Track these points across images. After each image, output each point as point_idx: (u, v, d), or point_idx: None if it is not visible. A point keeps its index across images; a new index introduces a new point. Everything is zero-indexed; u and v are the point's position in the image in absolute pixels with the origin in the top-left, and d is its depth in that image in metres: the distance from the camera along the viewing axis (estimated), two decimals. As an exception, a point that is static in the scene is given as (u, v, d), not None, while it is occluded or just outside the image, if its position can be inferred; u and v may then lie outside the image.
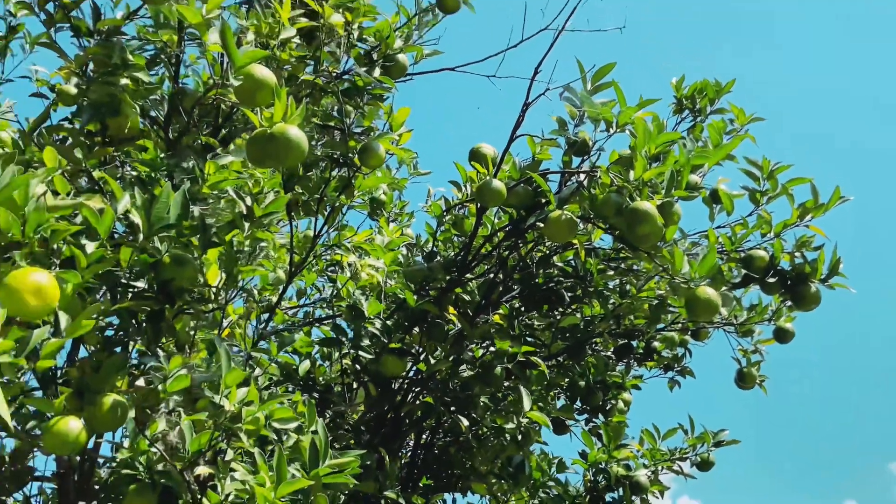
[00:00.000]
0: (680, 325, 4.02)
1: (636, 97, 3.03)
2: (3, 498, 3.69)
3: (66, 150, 2.76)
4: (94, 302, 2.36)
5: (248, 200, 2.47)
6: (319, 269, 4.18)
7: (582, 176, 3.13)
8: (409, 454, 4.22)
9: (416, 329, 3.54)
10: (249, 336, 3.58)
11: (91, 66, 2.90)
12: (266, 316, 3.82)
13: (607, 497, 4.00)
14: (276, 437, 2.63)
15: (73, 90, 3.42)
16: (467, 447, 3.97)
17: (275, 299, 3.85)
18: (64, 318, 2.12)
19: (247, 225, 2.43)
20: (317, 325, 4.17)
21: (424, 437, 4.13)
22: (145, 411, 2.58)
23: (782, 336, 3.90)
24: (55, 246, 2.19)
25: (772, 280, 3.46)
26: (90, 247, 2.23)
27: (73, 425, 2.27)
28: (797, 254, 3.46)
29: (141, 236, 2.30)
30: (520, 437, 3.52)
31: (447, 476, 4.25)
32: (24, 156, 2.69)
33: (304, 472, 2.38)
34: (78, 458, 3.70)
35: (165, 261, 2.35)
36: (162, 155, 2.82)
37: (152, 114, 3.02)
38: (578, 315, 3.82)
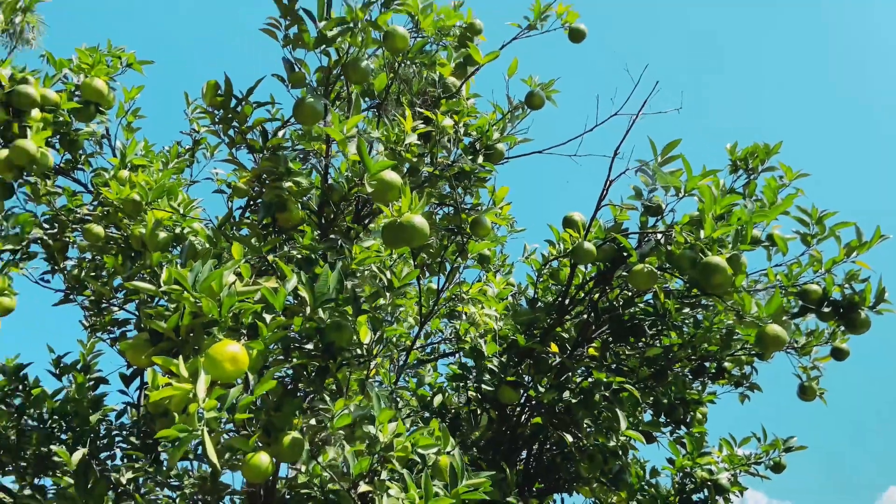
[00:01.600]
0: (747, 349, 3.82)
1: (698, 162, 2.95)
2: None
3: (246, 240, 2.87)
4: (275, 360, 2.43)
5: (388, 274, 2.49)
6: (441, 315, 4.18)
7: (659, 235, 3.03)
8: (523, 465, 4.14)
9: (525, 363, 3.49)
10: (391, 373, 3.60)
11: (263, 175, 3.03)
12: (403, 356, 3.85)
13: (694, 497, 3.81)
14: (420, 461, 2.62)
15: (245, 186, 3.58)
16: (571, 457, 3.87)
17: (408, 343, 3.87)
18: (252, 379, 2.18)
19: (388, 294, 2.45)
20: (442, 361, 4.18)
21: (534, 450, 4.06)
22: (317, 444, 2.62)
23: (838, 355, 3.66)
24: (243, 320, 2.27)
25: (826, 309, 3.27)
26: (269, 319, 2.31)
27: (264, 458, 2.32)
28: (847, 286, 3.27)
29: (308, 308, 2.36)
30: (620, 451, 3.40)
31: (555, 481, 4.15)
32: (216, 248, 2.80)
33: (445, 491, 2.36)
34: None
35: (328, 326, 2.39)
36: (316, 238, 2.90)
37: (308, 207, 3.11)
38: (658, 344, 3.69)
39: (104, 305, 3.92)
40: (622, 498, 3.86)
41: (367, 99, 3.17)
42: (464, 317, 3.83)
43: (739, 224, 2.70)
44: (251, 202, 3.80)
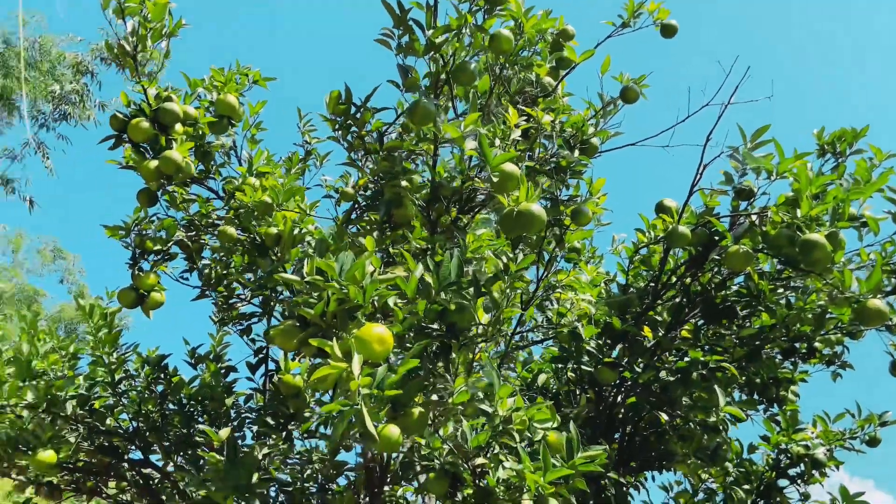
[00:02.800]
0: (840, 328, 3.73)
1: (787, 148, 2.92)
2: (327, 484, 3.98)
3: (367, 234, 3.00)
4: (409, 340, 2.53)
5: (504, 259, 2.57)
6: (535, 304, 4.23)
7: (753, 217, 3.02)
8: (618, 443, 4.15)
9: (621, 346, 3.52)
10: (493, 357, 3.68)
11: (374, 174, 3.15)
12: (501, 342, 3.91)
13: (790, 472, 3.75)
14: (532, 436, 2.68)
15: (351, 191, 3.72)
16: (664, 436, 3.86)
17: (507, 328, 3.93)
18: (393, 358, 2.30)
19: (507, 278, 2.52)
20: (538, 345, 4.22)
21: (629, 429, 4.06)
22: (439, 418, 2.72)
23: (933, 331, 3.53)
24: (381, 305, 2.39)
25: (920, 287, 3.18)
26: (401, 304, 2.42)
27: (394, 430, 2.42)
28: (942, 263, 3.16)
29: (433, 292, 2.45)
30: (721, 428, 3.39)
31: (648, 459, 4.15)
32: (341, 243, 2.93)
33: (563, 462, 2.41)
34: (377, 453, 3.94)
35: (451, 308, 2.48)
36: (426, 232, 3.00)
37: (420, 203, 3.22)
38: (748, 325, 3.65)
39: (232, 301, 4.14)
40: (716, 474, 3.83)
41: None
42: (556, 304, 3.87)
43: (836, 202, 2.66)
44: (356, 205, 3.97)
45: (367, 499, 3.81)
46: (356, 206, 3.91)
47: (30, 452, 3.22)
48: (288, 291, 3.86)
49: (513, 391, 2.48)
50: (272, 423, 3.43)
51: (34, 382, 3.20)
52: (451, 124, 2.54)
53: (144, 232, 3.52)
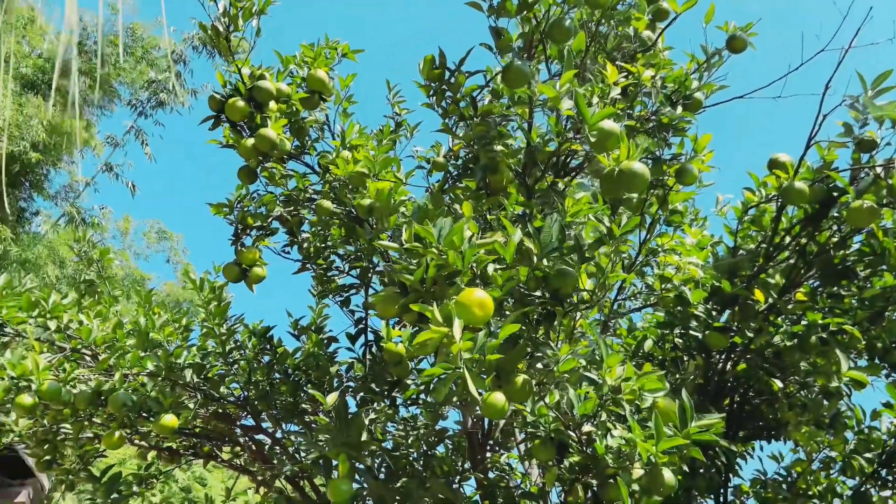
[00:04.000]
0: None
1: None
2: (428, 450, 4.04)
3: (463, 201, 2.97)
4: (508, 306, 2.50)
5: (607, 221, 2.48)
6: (637, 269, 4.09)
7: (878, 169, 2.78)
8: (726, 412, 3.99)
9: (730, 310, 3.35)
10: (593, 324, 3.59)
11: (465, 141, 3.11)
12: (603, 309, 3.81)
13: (917, 441, 3.49)
14: (639, 403, 2.59)
15: (442, 160, 3.69)
16: (776, 403, 3.67)
17: (606, 294, 3.82)
18: (494, 323, 2.26)
19: (611, 242, 2.44)
20: (637, 312, 4.09)
21: (738, 396, 3.89)
22: (545, 386, 2.68)
23: None
24: (479, 271, 2.36)
25: None
26: (500, 269, 2.38)
27: (500, 397, 2.40)
28: None
29: (535, 258, 2.40)
30: (841, 394, 3.18)
31: (757, 428, 3.97)
32: (439, 209, 2.91)
33: (676, 431, 2.33)
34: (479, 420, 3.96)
35: (553, 274, 2.42)
36: (522, 197, 2.94)
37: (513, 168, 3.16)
38: (870, 286, 3.39)
39: (331, 273, 4.23)
40: (834, 442, 3.62)
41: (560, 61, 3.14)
42: (657, 269, 3.73)
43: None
44: (447, 175, 3.94)
45: (469, 465, 3.84)
46: (448, 175, 3.89)
47: (151, 419, 3.42)
48: (383, 262, 3.90)
49: (622, 359, 2.41)
50: (376, 389, 3.50)
51: (156, 352, 3.38)
52: (546, 84, 2.45)
53: (246, 208, 3.62)
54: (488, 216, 2.88)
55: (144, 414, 3.35)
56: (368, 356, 3.99)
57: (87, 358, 3.47)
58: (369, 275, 4.16)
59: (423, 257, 2.36)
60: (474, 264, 2.32)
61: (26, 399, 2.93)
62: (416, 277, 2.32)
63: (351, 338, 4.04)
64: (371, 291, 4.16)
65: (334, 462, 2.94)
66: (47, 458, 3.73)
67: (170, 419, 3.06)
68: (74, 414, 3.31)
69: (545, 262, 2.41)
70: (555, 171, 3.16)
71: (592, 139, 2.29)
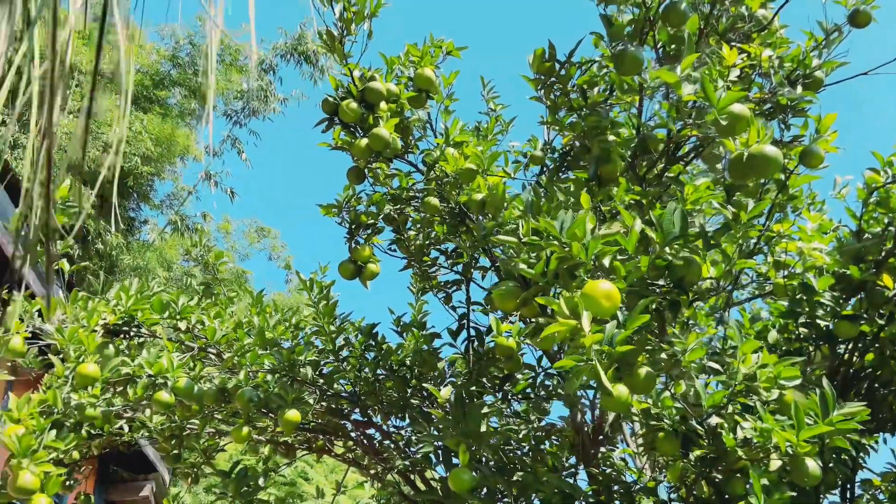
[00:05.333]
0: None
1: None
2: (539, 445, 4.03)
3: (576, 194, 2.94)
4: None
5: (731, 208, 2.40)
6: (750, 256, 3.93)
7: None
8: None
9: (857, 297, 3.18)
10: (710, 314, 3.49)
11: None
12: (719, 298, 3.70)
13: None
14: (767, 395, 2.50)
15: (540, 154, 3.66)
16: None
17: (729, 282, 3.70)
18: (622, 315, 2.23)
19: (738, 227, 2.36)
20: (749, 301, 3.94)
21: (864, 387, 3.69)
22: (672, 375, 2.62)
23: None
24: (602, 262, 2.33)
25: None
26: (622, 260, 2.34)
27: (623, 389, 2.36)
28: None
29: (657, 247, 2.35)
30: None
31: (880, 421, 3.76)
32: (553, 203, 2.89)
33: (816, 419, 2.23)
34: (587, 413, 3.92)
35: (677, 263, 2.36)
36: (637, 187, 2.88)
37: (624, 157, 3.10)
38: None
39: (432, 270, 4.29)
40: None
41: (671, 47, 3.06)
42: (772, 255, 3.58)
43: None
44: (544, 168, 3.91)
45: (577, 460, 3.81)
46: (544, 168, 3.86)
47: (271, 414, 3.57)
48: (486, 256, 3.92)
49: (758, 346, 2.33)
50: (487, 384, 3.52)
51: (278, 349, 3.52)
52: (665, 70, 2.40)
53: (355, 208, 3.72)
54: (602, 207, 2.84)
55: (264, 410, 3.50)
56: (471, 351, 4.01)
57: (212, 356, 3.65)
58: (471, 271, 4.19)
59: (543, 250, 2.36)
60: (595, 256, 2.29)
61: (164, 396, 3.12)
62: (537, 271, 2.31)
63: (453, 333, 4.08)
64: (473, 288, 4.19)
65: (453, 453, 2.99)
66: (175, 452, 3.94)
67: (293, 414, 3.18)
68: (201, 410, 3.49)
69: (667, 250, 2.35)
70: (665, 159, 3.09)
71: (723, 123, 2.22)
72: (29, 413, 3.05)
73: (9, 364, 3.40)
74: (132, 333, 3.45)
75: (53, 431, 3.13)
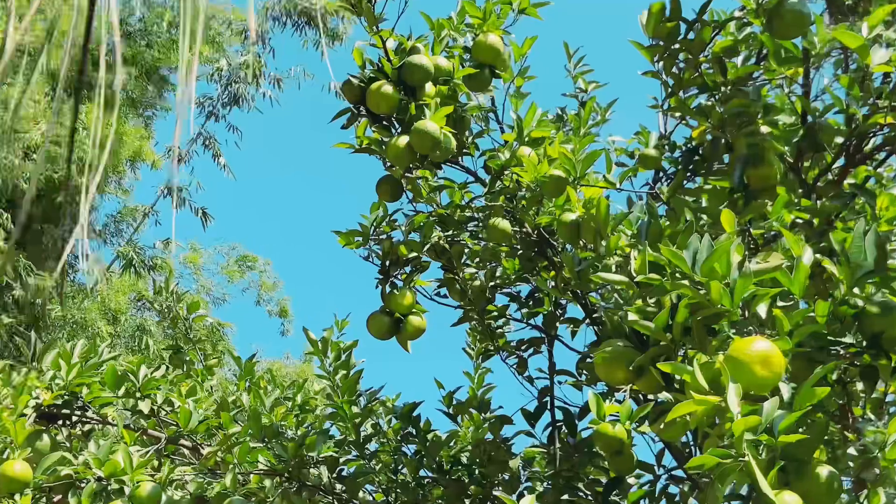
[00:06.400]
0: None
1: None
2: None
3: (712, 211, 2.97)
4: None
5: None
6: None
7: None
8: None
9: None
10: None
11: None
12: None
13: None
14: None
15: (653, 153, 3.70)
16: None
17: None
18: (787, 389, 2.23)
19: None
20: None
21: None
22: (861, 482, 2.59)
23: None
24: (756, 311, 2.34)
25: None
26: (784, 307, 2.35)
27: (792, 499, 2.33)
28: None
29: (841, 287, 2.35)
30: None
31: None
32: (679, 224, 2.91)
33: None
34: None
35: (871, 311, 2.35)
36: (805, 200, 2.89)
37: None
38: None
39: (498, 324, 4.33)
40: None
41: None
42: None
43: None
44: (660, 173, 3.93)
45: None
46: (661, 174, 3.88)
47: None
48: (579, 305, 3.95)
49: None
50: (583, 492, 3.52)
51: (275, 442, 3.59)
52: (841, 29, 2.43)
53: (389, 235, 3.80)
54: (752, 229, 2.85)
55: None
56: (558, 443, 4.02)
57: (186, 451, 3.75)
58: (556, 324, 4.22)
59: (666, 294, 2.38)
60: (745, 302, 2.31)
61: (121, 508, 3.20)
62: (658, 324, 2.34)
63: (530, 416, 4.09)
64: (558, 348, 4.21)
65: None
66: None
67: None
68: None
69: (857, 291, 2.35)
70: (845, 158, 3.09)
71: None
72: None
73: None
74: (75, 418, 3.56)
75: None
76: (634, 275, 2.48)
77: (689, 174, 3.50)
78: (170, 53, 14.07)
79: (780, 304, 2.39)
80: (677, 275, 2.31)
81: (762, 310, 2.32)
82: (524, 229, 3.75)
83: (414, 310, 3.74)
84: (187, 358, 4.62)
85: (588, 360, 3.96)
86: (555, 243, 3.75)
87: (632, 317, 2.41)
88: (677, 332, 2.33)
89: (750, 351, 2.12)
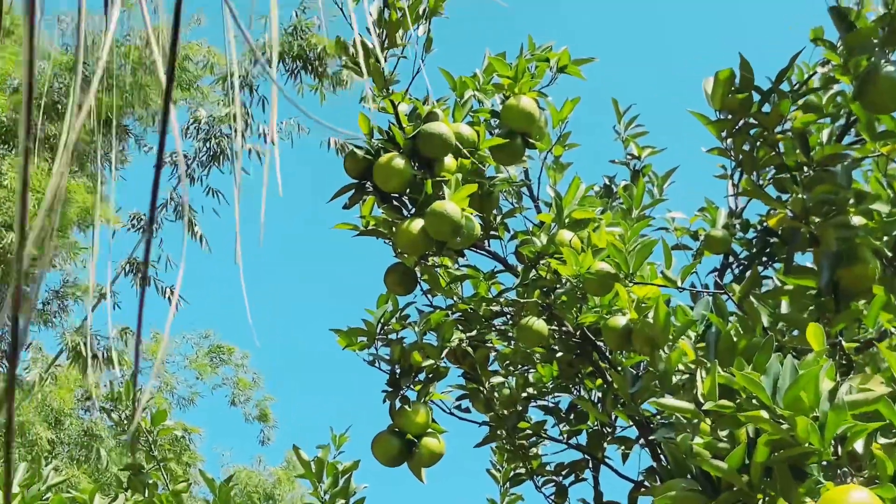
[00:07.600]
0: None
1: None
2: None
3: (796, 319, 2.97)
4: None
5: None
6: None
7: None
8: None
9: None
10: None
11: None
12: None
13: None
14: None
15: (721, 234, 3.71)
16: None
17: None
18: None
19: None
20: None
21: None
22: None
23: None
24: (854, 450, 2.32)
25: None
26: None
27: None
28: None
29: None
30: None
31: None
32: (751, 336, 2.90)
33: None
34: None
35: None
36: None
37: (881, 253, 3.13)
38: None
39: (531, 444, 4.31)
40: None
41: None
42: None
43: None
44: (730, 259, 3.94)
45: None
46: (732, 259, 3.89)
47: None
48: (631, 422, 3.93)
49: None
50: None
51: None
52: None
53: (399, 336, 3.81)
54: (845, 343, 2.85)
55: None
56: None
57: None
58: (603, 446, 4.19)
59: (741, 427, 2.37)
60: (839, 438, 2.30)
61: None
62: (732, 464, 2.33)
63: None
64: (605, 474, 4.19)
65: None
66: None
67: None
68: None
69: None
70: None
71: None
72: None
73: None
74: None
75: None
76: (702, 400, 2.47)
77: (766, 262, 3.51)
78: (133, 99, 14.24)
79: (881, 440, 2.37)
80: (754, 401, 2.30)
81: (859, 446, 2.31)
82: (564, 328, 3.74)
83: (430, 430, 3.72)
84: (150, 480, 4.59)
85: (643, 488, 3.93)
86: (601, 345, 3.75)
87: (699, 453, 2.40)
88: (755, 474, 2.32)
89: (846, 501, 2.11)
